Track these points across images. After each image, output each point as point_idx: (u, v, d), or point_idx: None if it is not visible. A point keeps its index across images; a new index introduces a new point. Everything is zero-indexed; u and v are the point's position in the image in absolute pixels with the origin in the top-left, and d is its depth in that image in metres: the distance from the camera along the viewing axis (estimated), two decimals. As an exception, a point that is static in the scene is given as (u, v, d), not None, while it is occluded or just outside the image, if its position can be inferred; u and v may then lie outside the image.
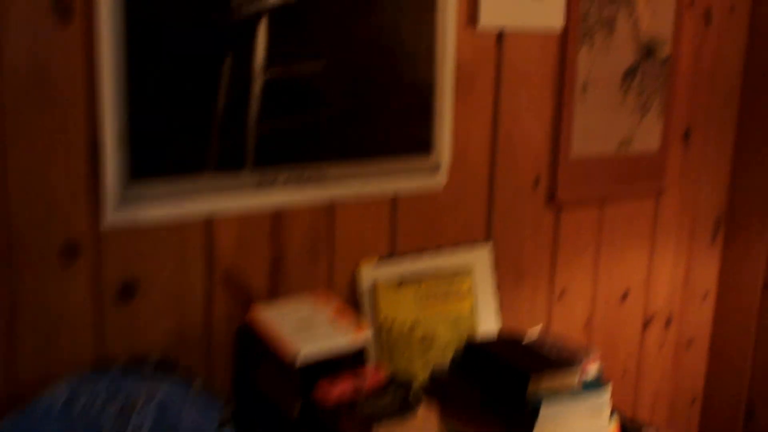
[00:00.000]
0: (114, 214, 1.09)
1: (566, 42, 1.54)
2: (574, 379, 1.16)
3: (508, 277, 1.58)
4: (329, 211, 1.32)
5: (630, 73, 1.66)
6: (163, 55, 1.09)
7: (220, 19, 1.12)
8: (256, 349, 1.13)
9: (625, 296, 1.83)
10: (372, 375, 1.09)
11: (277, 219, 1.26)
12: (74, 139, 1.06)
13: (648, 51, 1.68)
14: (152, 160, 1.11)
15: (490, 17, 1.42)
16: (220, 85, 1.15)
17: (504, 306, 1.57)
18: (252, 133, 1.19)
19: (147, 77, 1.08)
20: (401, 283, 1.37)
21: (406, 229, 1.42)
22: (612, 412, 1.21)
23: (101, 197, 1.08)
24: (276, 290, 1.28)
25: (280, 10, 1.17)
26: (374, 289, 1.35)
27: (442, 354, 1.38)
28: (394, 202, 1.39)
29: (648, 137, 1.74)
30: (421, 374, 1.35)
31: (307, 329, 1.11)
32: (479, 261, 1.50)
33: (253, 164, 1.20)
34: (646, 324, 1.91)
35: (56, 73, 1.03)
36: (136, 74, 1.07)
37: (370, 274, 1.36)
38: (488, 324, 1.49)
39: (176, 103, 1.11)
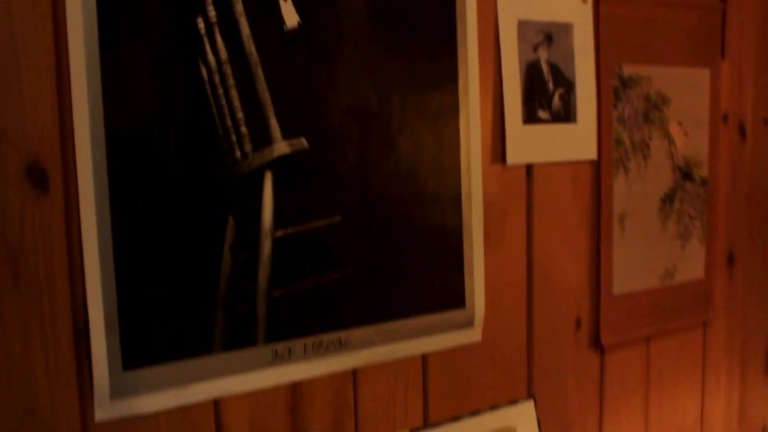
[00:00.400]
0: (106, 409, 0.92)
1: (600, 170, 1.41)
2: None
3: (555, 435, 1.39)
4: (353, 377, 1.15)
5: (668, 198, 1.53)
6: (155, 225, 0.94)
7: (220, 176, 0.99)
8: None
9: (680, 441, 1.63)
10: None
11: (295, 391, 1.09)
12: (56, 325, 0.90)
13: (685, 173, 1.56)
14: (148, 345, 0.94)
15: (517, 154, 1.30)
16: (222, 251, 1.00)
17: (553, 470, 1.37)
18: (262, 303, 1.03)
19: (137, 250, 0.93)
20: (439, 459, 1.18)
21: (439, 392, 1.24)
22: None
23: (92, 390, 0.91)
24: (297, 476, 1.10)
25: (286, 162, 1.04)
26: (409, 469, 1.16)
27: None
28: (425, 362, 1.22)
29: (691, 265, 1.59)
30: None
31: None
32: (522, 420, 1.32)
33: (266, 338, 1.03)
34: (706, 470, 1.70)
35: (31, 248, 0.88)
36: (125, 247, 0.92)
37: (402, 451, 1.18)
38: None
39: (172, 279, 0.96)
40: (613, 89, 1.42)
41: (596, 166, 1.42)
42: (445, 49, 1.21)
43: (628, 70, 1.44)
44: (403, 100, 1.17)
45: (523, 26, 1.31)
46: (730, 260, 1.70)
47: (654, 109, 1.48)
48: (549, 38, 1.34)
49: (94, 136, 0.89)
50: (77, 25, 0.88)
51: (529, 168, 1.34)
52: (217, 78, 0.99)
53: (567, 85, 1.36)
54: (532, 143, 1.33)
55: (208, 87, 0.98)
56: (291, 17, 1.05)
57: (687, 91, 1.52)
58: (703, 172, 1.58)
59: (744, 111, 1.69)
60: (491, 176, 1.28)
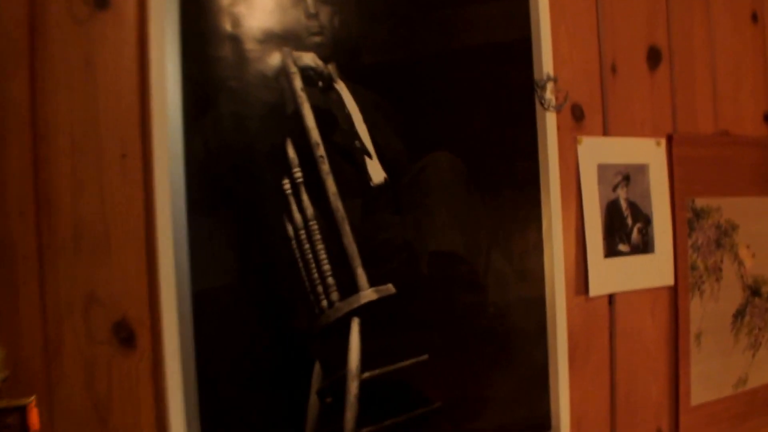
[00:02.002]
0: None
1: (677, 294, 1.56)
2: None
3: None
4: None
5: (739, 314, 1.66)
6: (241, 377, 0.96)
7: (307, 326, 1.01)
8: None
9: None
10: None
11: None
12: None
13: (753, 290, 1.68)
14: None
15: (599, 286, 1.45)
16: (309, 396, 1.01)
17: None
18: (350, 442, 1.04)
19: (223, 403, 0.94)
20: None
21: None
22: None
23: None
24: None
25: (373, 308, 1.06)
26: None
27: None
28: (522, 478, 1.36)
29: (762, 372, 1.70)
30: None
31: None
32: None
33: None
34: None
35: (118, 402, 0.92)
36: (211, 401, 0.93)
37: None
38: None
39: (260, 429, 0.97)
40: (687, 221, 1.57)
41: (673, 290, 1.56)
42: (530, 196, 1.34)
43: (700, 202, 1.59)
44: (489, 244, 1.29)
45: (602, 169, 1.47)
46: (800, 368, 1.81)
47: (724, 235, 1.62)
48: (627, 178, 1.50)
49: (181, 293, 0.91)
50: (165, 191, 0.91)
51: (611, 297, 1.49)
52: (303, 234, 0.99)
53: (645, 220, 1.52)
54: (613, 274, 1.48)
55: (294, 243, 0.99)
56: (377, 174, 1.09)
57: (754, 217, 1.66)
58: (772, 288, 1.70)
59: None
60: (575, 307, 1.44)
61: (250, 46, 1.02)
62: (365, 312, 1.05)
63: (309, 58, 1.05)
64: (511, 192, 1.32)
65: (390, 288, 1.08)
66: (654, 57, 1.56)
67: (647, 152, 1.53)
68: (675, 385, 1.56)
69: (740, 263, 1.65)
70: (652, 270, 1.52)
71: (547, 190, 1.37)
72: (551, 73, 1.38)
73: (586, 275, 1.44)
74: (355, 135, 1.08)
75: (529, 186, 1.35)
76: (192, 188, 0.93)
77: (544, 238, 1.37)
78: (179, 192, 0.92)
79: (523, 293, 1.35)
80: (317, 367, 1.02)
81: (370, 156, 1.09)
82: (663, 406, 1.56)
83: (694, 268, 1.57)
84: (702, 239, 1.59)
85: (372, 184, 1.08)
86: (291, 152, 1.00)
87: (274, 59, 1.02)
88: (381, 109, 1.12)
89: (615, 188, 1.48)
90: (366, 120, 1.10)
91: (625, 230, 1.49)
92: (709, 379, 1.60)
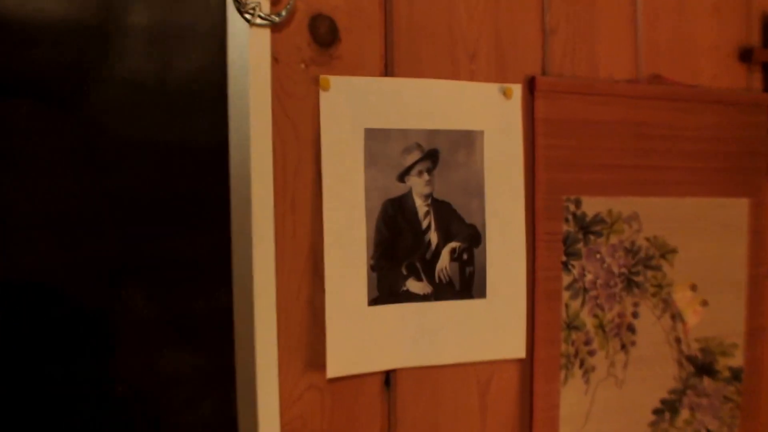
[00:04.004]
0: None
1: (533, 376, 0.84)
2: None
3: None
4: None
5: (668, 408, 0.92)
6: None
7: None
8: None
9: None
10: None
11: None
12: None
13: (701, 366, 0.94)
14: None
15: (352, 361, 0.77)
16: None
17: None
18: None
19: None
20: None
21: None
22: None
23: None
24: None
25: None
26: None
27: None
28: None
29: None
30: None
31: None
32: None
33: None
34: None
35: None
36: None
37: None
38: None
39: None
40: (562, 238, 0.84)
41: (526, 367, 0.84)
42: (207, 182, 0.69)
43: (591, 204, 0.85)
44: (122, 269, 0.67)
45: (376, 139, 0.76)
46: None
47: (645, 267, 0.88)
48: (431, 158, 0.78)
49: None
50: None
51: (387, 377, 0.78)
52: None
53: (467, 236, 0.80)
54: (392, 337, 0.77)
55: None
56: None
57: (708, 234, 0.91)
58: (735, 361, 0.95)
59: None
60: (302, 396, 0.74)
61: None
62: None
63: None
64: (166, 174, 0.69)
65: None
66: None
67: (481, 109, 0.80)
68: None
69: (676, 317, 0.90)
70: (480, 329, 0.80)
71: (246, 179, 0.69)
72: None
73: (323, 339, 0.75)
74: None
75: (202, 163, 0.69)
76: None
77: (236, 264, 0.71)
78: None
79: (188, 364, 0.68)
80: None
81: None
82: None
83: (574, 327, 0.84)
84: (595, 273, 0.85)
85: None
86: None
87: None
88: None
89: (404, 176, 0.77)
90: None
91: (423, 253, 0.78)
92: None
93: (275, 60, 0.73)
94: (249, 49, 0.71)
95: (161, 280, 0.71)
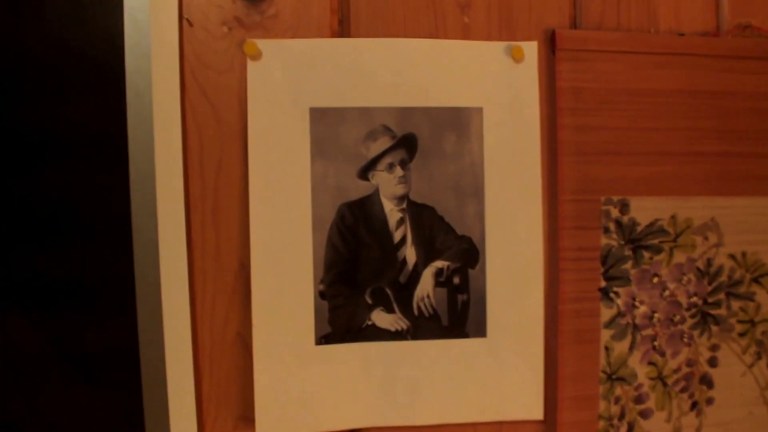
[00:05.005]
0: None
1: (553, 444, 0.61)
2: None
3: None
4: None
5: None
6: None
7: None
8: None
9: None
10: None
11: None
12: None
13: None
14: None
15: (287, 418, 0.56)
16: None
17: None
18: None
19: None
20: None
21: None
22: None
23: None
24: None
25: None
26: None
27: None
28: None
29: None
30: None
31: None
32: None
33: None
34: None
35: None
36: None
37: None
38: None
39: None
40: (600, 255, 0.60)
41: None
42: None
43: (643, 208, 0.61)
44: None
45: (324, 121, 0.56)
46: None
47: (729, 296, 0.63)
48: (407, 145, 0.58)
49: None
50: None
51: (347, 441, 0.59)
52: None
53: (458, 252, 0.58)
54: (350, 388, 0.57)
55: None
56: None
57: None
58: None
59: None
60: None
61: None
62: None
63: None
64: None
65: None
66: None
67: (478, 78, 0.58)
68: None
69: (776, 366, 0.65)
70: (478, 379, 0.59)
71: (150, 179, 0.53)
72: None
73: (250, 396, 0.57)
74: None
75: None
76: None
77: (140, 287, 0.60)
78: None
79: (82, 409, 0.55)
80: None
81: None
82: None
83: (620, 378, 0.61)
84: (652, 304, 0.62)
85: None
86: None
87: None
88: None
89: (367, 171, 0.57)
90: None
91: (394, 276, 0.58)
92: None
93: (187, 22, 0.55)
94: (149, 8, 0.54)
95: (45, 306, 0.56)
